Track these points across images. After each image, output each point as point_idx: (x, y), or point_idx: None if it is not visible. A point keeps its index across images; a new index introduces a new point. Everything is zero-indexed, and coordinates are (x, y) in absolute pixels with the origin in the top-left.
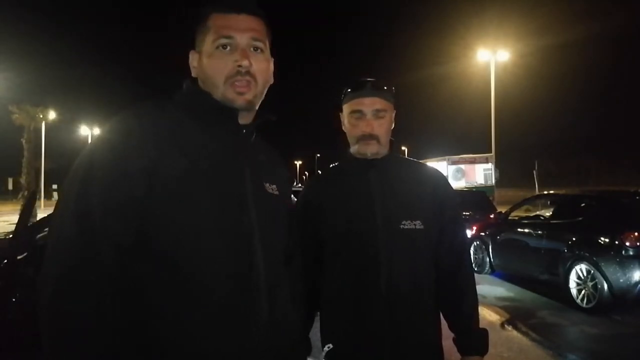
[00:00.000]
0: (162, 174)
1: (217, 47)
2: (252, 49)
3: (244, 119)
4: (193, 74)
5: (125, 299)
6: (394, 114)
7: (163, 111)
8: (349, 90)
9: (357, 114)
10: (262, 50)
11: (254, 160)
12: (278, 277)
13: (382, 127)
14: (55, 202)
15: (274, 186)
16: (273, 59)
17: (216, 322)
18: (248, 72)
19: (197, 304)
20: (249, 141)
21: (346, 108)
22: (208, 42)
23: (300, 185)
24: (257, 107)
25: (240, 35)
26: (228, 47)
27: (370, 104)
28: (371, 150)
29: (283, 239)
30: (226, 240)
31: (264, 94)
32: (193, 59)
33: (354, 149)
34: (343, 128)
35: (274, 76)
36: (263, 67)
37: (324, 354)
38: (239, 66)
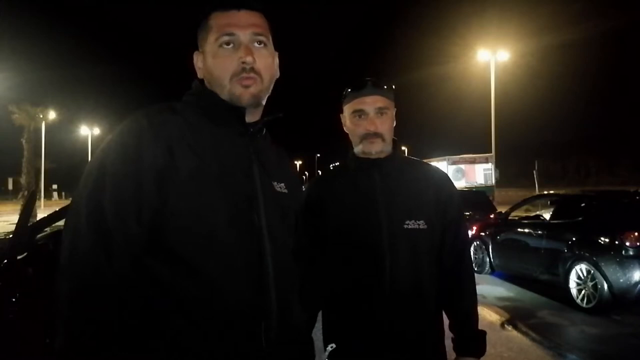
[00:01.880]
0: (173, 174)
1: (220, 46)
2: (255, 43)
3: (252, 116)
4: (199, 75)
5: (139, 298)
6: (395, 112)
7: (172, 112)
8: (350, 90)
9: (360, 113)
10: (265, 45)
11: (262, 158)
12: (287, 275)
13: (385, 124)
14: (56, 201)
15: (282, 184)
16: (277, 53)
17: (227, 320)
18: (252, 69)
19: (208, 302)
20: (258, 140)
21: (347, 108)
22: (211, 42)
23: None
24: (263, 103)
25: (242, 32)
26: (231, 45)
27: (372, 102)
28: (376, 148)
29: (291, 237)
30: (236, 239)
31: (271, 89)
32: (198, 59)
33: (358, 148)
34: (345, 129)
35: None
36: (268, 62)
37: (326, 354)
38: (243, 63)
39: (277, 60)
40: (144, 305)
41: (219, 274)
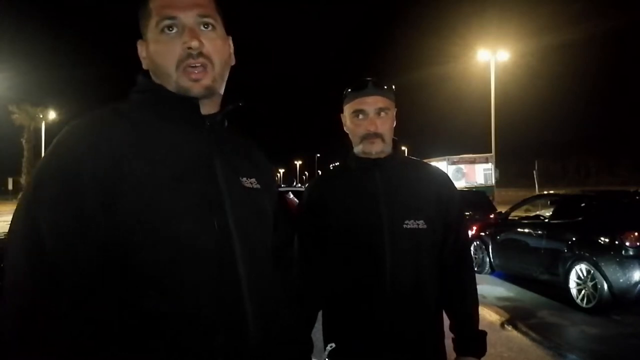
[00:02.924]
0: (121, 185)
1: (162, 31)
2: (201, 26)
3: (208, 108)
4: (144, 66)
5: (99, 317)
6: (395, 112)
7: (118, 115)
8: (350, 90)
9: (360, 113)
10: (213, 27)
11: (225, 153)
12: (264, 277)
13: (386, 125)
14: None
15: (253, 179)
16: (230, 37)
17: (200, 332)
18: (201, 54)
19: (177, 318)
20: (219, 133)
21: (348, 108)
22: (152, 27)
23: (300, 185)
24: (220, 92)
25: (184, 14)
26: (174, 29)
27: (372, 102)
28: (376, 149)
29: (268, 236)
30: (202, 247)
31: (226, 77)
32: (142, 49)
33: (358, 148)
34: (345, 129)
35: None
36: (217, 46)
37: (326, 353)
38: (189, 48)
39: (230, 45)
40: (108, 322)
41: (185, 285)
